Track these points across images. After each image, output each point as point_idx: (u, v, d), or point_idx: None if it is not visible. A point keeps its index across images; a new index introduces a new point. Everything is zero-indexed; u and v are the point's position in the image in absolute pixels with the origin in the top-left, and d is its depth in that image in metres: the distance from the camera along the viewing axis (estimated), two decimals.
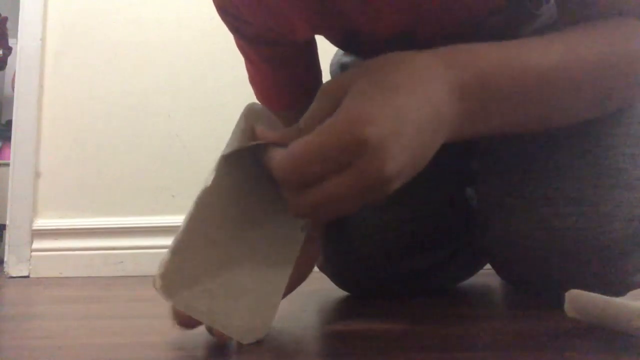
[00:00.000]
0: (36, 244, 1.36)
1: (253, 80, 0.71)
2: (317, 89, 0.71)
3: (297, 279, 0.54)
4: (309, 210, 0.40)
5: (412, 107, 0.39)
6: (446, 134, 0.42)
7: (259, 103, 0.47)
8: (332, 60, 0.84)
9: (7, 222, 1.37)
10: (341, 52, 0.82)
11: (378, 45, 0.61)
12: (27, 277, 1.33)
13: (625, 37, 0.49)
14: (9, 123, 1.70)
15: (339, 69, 0.82)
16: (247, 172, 0.46)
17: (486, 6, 0.55)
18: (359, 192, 0.38)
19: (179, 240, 0.41)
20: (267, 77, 0.68)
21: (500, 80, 0.43)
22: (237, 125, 0.46)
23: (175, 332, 0.48)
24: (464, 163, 0.72)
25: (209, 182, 0.43)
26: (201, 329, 0.49)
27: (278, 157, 0.40)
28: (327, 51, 0.77)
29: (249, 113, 0.47)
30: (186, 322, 0.45)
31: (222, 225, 0.45)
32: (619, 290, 0.56)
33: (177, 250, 0.41)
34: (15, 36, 1.45)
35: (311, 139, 0.38)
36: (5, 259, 1.36)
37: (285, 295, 0.49)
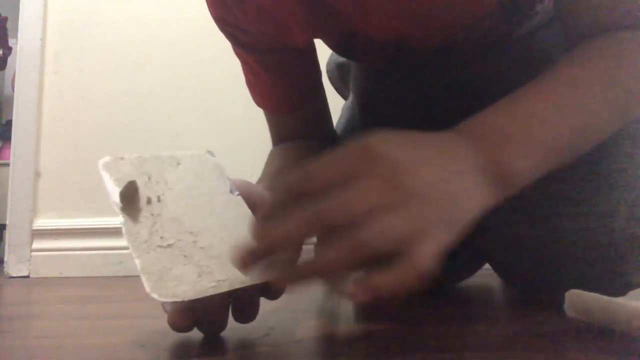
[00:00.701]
0: (36, 244, 1.36)
1: (251, 86, 0.71)
2: (317, 92, 0.71)
3: None
4: (315, 223, 0.34)
5: (433, 148, 0.37)
6: (484, 188, 0.39)
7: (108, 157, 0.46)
8: (329, 60, 0.84)
9: (7, 222, 1.37)
10: None
11: (374, 49, 0.61)
12: (27, 277, 1.33)
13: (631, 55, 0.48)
14: (9, 123, 1.70)
15: (336, 68, 0.82)
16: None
17: (480, 10, 0.55)
18: (375, 202, 0.33)
19: (139, 262, 0.41)
20: (266, 83, 0.68)
21: (502, 128, 0.42)
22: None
23: (176, 333, 0.48)
24: None
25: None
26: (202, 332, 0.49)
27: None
28: (326, 51, 0.77)
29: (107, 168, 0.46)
30: (178, 324, 0.43)
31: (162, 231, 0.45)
32: (619, 290, 0.56)
33: (143, 270, 0.41)
34: (15, 36, 1.45)
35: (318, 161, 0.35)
36: (5, 259, 1.36)
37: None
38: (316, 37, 0.66)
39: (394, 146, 0.35)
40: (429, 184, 0.34)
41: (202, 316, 0.44)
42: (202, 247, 0.44)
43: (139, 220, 0.44)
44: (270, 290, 0.44)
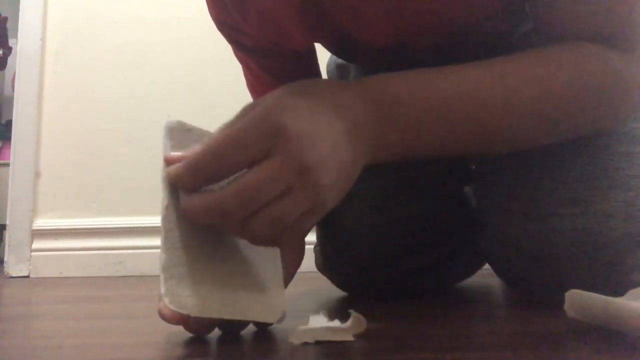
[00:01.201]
0: (36, 244, 1.36)
1: (252, 88, 0.71)
2: None
3: (285, 277, 0.53)
4: (217, 210, 0.38)
5: (327, 114, 0.40)
6: (364, 152, 0.42)
7: (176, 120, 0.45)
8: (329, 61, 0.84)
9: (7, 222, 1.38)
10: None
11: (373, 53, 0.61)
12: (27, 277, 1.33)
13: (585, 60, 0.49)
14: (9, 123, 1.70)
15: (336, 69, 0.82)
16: None
17: (480, 14, 0.55)
18: (279, 188, 0.37)
19: (165, 258, 0.40)
20: (267, 85, 0.68)
21: (405, 107, 0.44)
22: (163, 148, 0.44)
23: (176, 332, 0.48)
24: (462, 162, 0.72)
25: (166, 201, 0.42)
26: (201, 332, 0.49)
27: (189, 153, 0.39)
28: (326, 52, 0.77)
29: (170, 133, 0.44)
30: (169, 318, 0.44)
31: (196, 234, 0.43)
32: (618, 289, 0.56)
33: (166, 267, 0.40)
34: (15, 36, 1.45)
35: (227, 130, 0.38)
36: (5, 259, 1.36)
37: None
38: (315, 42, 0.66)
39: (294, 119, 0.37)
40: (323, 160, 0.38)
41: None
42: (227, 264, 0.44)
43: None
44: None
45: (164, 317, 0.45)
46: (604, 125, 0.53)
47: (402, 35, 0.57)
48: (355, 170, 0.42)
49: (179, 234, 0.41)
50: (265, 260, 0.47)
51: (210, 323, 0.46)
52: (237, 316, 0.42)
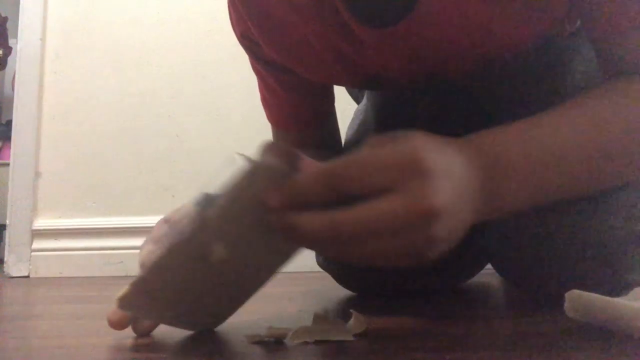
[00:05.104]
0: (36, 244, 1.36)
1: (266, 103, 0.71)
2: (331, 114, 0.72)
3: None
4: (328, 234, 0.34)
5: (459, 169, 0.38)
6: (475, 212, 0.40)
7: (269, 159, 0.39)
8: None
9: (7, 222, 1.38)
10: None
11: (401, 86, 0.62)
12: (27, 277, 1.33)
13: None
14: (9, 123, 1.70)
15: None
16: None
17: (514, 48, 0.55)
18: (399, 225, 0.34)
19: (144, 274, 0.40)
20: (283, 100, 0.68)
21: (514, 162, 0.43)
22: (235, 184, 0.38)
23: (175, 333, 0.48)
24: None
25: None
26: (202, 330, 0.49)
27: (313, 167, 0.36)
28: None
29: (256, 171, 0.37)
30: (117, 323, 0.46)
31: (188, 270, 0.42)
32: (618, 288, 0.56)
33: (138, 283, 0.40)
34: (15, 36, 1.45)
35: (358, 155, 0.35)
36: (5, 259, 1.36)
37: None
38: (341, 84, 0.68)
39: (435, 160, 0.35)
40: (449, 212, 0.35)
41: None
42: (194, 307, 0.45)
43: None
44: None
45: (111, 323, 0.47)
46: None
47: (432, 72, 0.59)
48: (464, 229, 0.39)
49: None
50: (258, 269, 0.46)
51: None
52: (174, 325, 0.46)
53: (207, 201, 0.41)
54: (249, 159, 0.37)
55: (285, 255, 0.44)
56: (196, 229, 0.37)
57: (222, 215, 0.37)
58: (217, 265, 0.40)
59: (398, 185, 0.34)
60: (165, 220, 0.52)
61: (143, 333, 0.49)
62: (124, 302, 0.41)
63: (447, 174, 0.36)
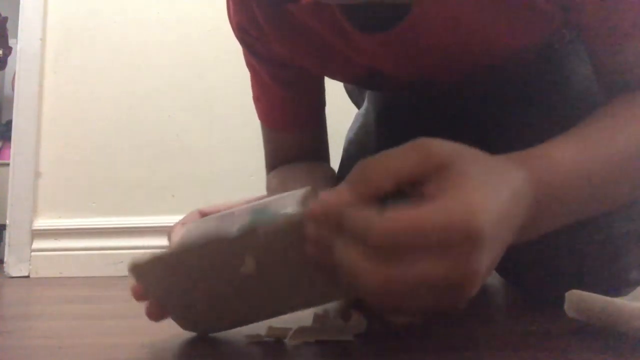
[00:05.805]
0: (36, 244, 1.36)
1: (257, 99, 0.70)
2: (322, 117, 0.72)
3: None
4: (382, 286, 0.32)
5: (507, 202, 0.35)
6: (515, 234, 0.38)
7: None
8: None
9: (7, 222, 1.37)
10: None
11: (397, 85, 0.62)
12: (27, 277, 1.33)
13: None
14: (9, 123, 1.70)
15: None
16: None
17: (505, 58, 0.55)
18: (444, 283, 0.33)
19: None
20: (275, 95, 0.67)
21: (567, 187, 0.41)
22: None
23: (175, 333, 0.48)
24: None
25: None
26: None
27: (376, 218, 0.32)
28: None
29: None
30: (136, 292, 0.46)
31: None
32: (618, 287, 0.56)
33: (160, 255, 0.41)
34: (15, 36, 1.45)
35: (424, 211, 0.32)
36: (5, 259, 1.36)
37: None
38: (335, 79, 0.67)
39: (489, 226, 0.33)
40: (490, 268, 0.34)
41: None
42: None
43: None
44: None
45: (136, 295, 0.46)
46: None
47: (432, 73, 0.58)
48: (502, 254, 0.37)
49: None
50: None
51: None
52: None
53: (263, 214, 0.40)
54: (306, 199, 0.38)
55: (324, 298, 0.43)
56: (244, 235, 0.38)
57: (271, 237, 0.38)
58: (242, 276, 0.40)
59: (447, 249, 0.32)
60: (200, 212, 0.51)
61: (154, 317, 0.46)
62: (137, 268, 0.41)
63: (497, 224, 0.33)
